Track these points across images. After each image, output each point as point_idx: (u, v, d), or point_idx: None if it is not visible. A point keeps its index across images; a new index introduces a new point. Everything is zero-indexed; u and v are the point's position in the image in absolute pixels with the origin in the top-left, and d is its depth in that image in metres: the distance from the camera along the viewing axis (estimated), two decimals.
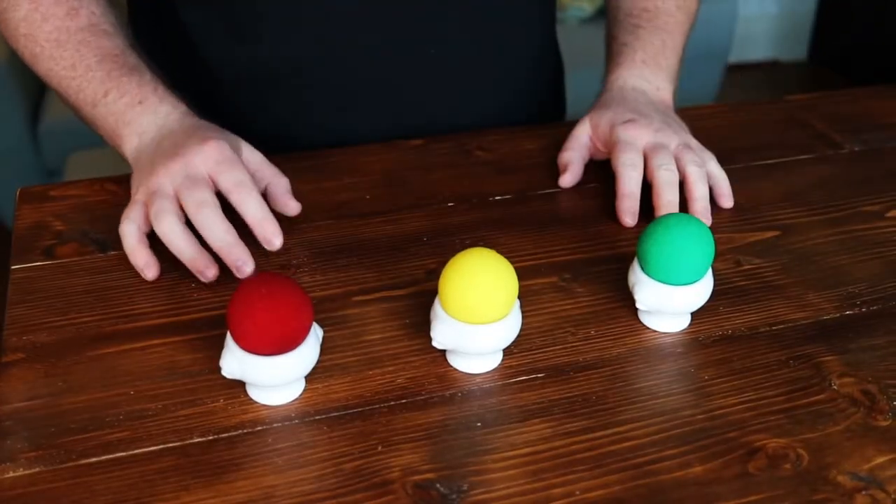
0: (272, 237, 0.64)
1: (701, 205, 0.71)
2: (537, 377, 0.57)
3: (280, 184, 0.70)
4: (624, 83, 0.81)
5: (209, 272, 0.62)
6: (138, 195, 0.66)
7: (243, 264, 0.62)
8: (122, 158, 0.73)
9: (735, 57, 2.99)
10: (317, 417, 0.53)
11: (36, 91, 2.04)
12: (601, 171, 0.78)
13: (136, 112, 0.70)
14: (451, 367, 0.57)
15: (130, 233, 0.65)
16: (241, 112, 0.84)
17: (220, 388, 0.55)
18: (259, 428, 0.53)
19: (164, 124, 0.70)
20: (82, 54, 0.73)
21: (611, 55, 0.86)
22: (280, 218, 0.66)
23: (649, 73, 0.82)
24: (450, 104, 0.88)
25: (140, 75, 0.72)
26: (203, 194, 0.63)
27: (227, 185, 0.65)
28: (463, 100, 0.88)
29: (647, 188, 0.72)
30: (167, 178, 0.65)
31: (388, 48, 0.83)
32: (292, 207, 0.70)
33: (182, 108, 0.72)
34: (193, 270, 0.63)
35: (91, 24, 0.74)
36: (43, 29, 0.74)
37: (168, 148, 0.67)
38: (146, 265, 0.64)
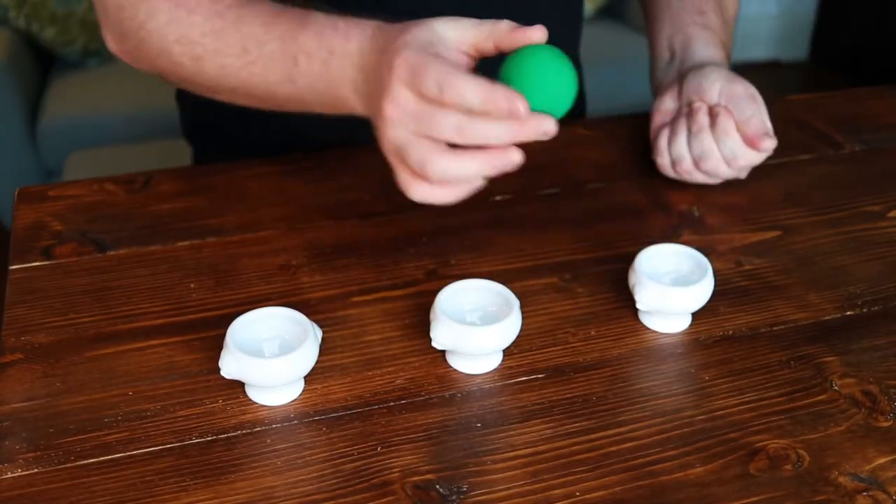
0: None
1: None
2: (537, 378, 0.57)
3: None
4: (711, 59, 0.86)
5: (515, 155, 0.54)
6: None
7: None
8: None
9: (735, 57, 2.99)
10: (316, 418, 0.53)
11: (35, 90, 2.04)
12: (601, 171, 0.78)
13: (337, 67, 0.60)
14: (450, 367, 0.57)
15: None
16: None
17: (218, 389, 0.55)
18: (258, 429, 0.52)
19: (363, 64, 0.59)
20: (245, 34, 0.63)
21: (687, 40, 0.89)
22: (278, 217, 0.65)
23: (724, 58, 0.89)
24: None
25: (311, 23, 0.62)
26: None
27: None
28: None
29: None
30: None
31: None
32: None
33: (367, 31, 0.60)
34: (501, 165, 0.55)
35: None
36: (195, 23, 0.64)
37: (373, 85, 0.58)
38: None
